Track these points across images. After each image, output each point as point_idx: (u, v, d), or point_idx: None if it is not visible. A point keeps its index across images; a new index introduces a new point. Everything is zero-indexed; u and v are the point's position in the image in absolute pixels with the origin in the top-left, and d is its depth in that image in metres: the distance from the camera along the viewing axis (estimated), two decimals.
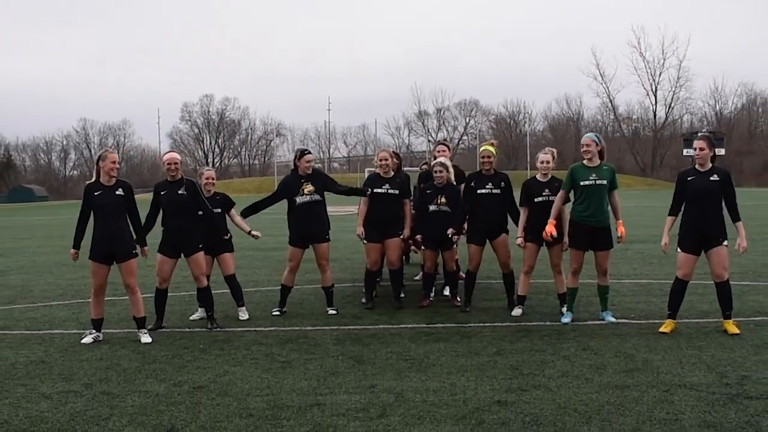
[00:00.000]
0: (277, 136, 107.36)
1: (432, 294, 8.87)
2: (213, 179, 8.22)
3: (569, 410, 4.76)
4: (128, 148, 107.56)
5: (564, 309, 7.82)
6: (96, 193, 6.93)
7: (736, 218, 6.81)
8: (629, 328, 7.20)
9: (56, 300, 9.25)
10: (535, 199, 7.72)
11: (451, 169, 8.46)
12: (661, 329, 6.91)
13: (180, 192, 7.47)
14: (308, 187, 8.09)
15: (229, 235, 8.12)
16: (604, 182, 7.25)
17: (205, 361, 6.24)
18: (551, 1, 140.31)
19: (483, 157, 8.19)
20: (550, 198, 7.65)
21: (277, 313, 8.31)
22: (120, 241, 6.98)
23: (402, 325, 7.56)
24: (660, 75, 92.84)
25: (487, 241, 8.20)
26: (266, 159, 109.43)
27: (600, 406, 4.82)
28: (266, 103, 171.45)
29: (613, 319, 7.51)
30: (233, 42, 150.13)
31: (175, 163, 7.54)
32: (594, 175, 7.25)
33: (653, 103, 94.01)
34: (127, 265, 7.02)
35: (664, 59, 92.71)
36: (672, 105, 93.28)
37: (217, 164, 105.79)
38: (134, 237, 7.17)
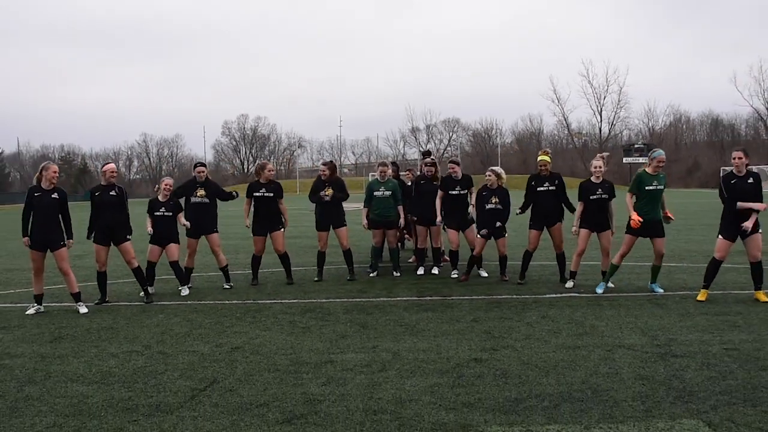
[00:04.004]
0: (298, 147, 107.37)
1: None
2: (170, 186, 8.17)
3: (531, 366, 4.75)
4: (180, 157, 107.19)
5: (603, 283, 7.75)
6: (36, 194, 6.92)
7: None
8: (580, 300, 7.18)
9: (123, 279, 9.23)
10: (591, 197, 7.75)
11: (503, 176, 8.42)
12: (698, 298, 6.96)
13: (111, 193, 7.47)
14: (200, 192, 8.40)
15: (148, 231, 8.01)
16: (662, 187, 7.33)
17: (241, 327, 6.23)
18: (516, 37, 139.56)
19: (540, 166, 8.23)
20: (602, 196, 7.71)
21: (228, 287, 8.41)
22: (52, 234, 6.95)
23: (398, 298, 7.54)
24: (604, 98, 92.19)
25: (545, 227, 8.24)
26: (290, 166, 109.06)
27: (556, 363, 4.81)
28: (290, 120, 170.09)
29: (661, 290, 7.46)
30: (264, 72, 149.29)
31: (113, 172, 7.59)
32: (656, 182, 7.30)
33: (599, 120, 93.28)
34: (59, 253, 6.99)
35: (607, 86, 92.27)
36: (614, 122, 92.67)
37: (251, 170, 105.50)
38: (65, 232, 7.10)
